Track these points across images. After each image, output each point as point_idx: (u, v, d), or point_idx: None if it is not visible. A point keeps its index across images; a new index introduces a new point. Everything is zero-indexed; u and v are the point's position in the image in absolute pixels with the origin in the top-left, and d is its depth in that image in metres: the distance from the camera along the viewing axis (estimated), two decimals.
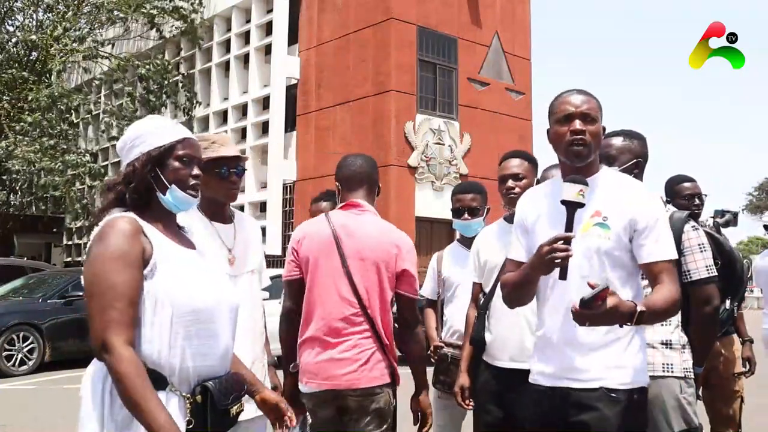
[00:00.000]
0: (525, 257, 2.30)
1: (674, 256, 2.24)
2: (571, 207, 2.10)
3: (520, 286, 2.27)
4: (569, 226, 2.08)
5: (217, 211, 2.71)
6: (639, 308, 2.00)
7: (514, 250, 2.38)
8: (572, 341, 2.19)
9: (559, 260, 2.03)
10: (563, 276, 2.09)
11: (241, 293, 2.38)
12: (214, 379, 1.93)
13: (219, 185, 2.66)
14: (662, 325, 2.70)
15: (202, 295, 1.95)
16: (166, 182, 1.99)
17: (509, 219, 3.04)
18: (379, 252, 2.82)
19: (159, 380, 1.86)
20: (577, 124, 2.19)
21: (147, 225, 1.96)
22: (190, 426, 1.87)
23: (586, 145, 2.20)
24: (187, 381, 1.91)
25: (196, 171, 2.04)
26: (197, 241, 2.17)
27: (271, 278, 4.57)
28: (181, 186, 2.00)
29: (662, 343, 2.75)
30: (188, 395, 1.89)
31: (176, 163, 2.00)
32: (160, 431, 1.75)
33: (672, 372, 2.71)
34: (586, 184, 2.12)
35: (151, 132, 2.03)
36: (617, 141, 2.87)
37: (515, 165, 3.16)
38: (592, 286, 1.93)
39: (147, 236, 1.93)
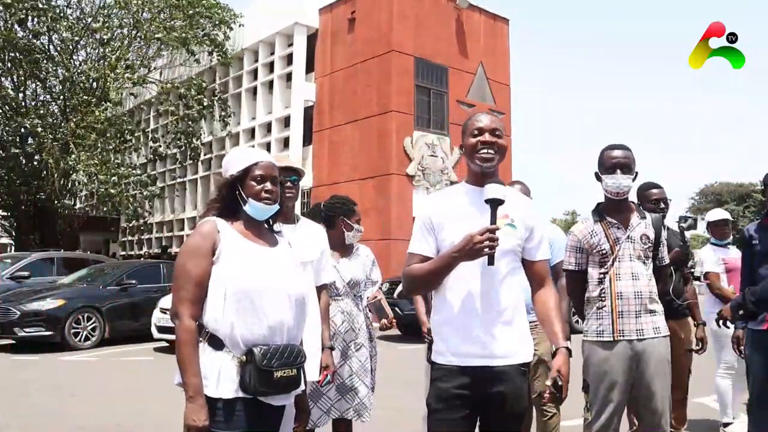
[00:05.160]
0: (432, 252, 2.20)
1: (549, 257, 2.33)
2: (495, 204, 2.05)
3: (437, 274, 2.13)
4: (494, 220, 2.03)
5: (281, 212, 2.81)
6: (564, 346, 2.14)
7: (421, 246, 2.23)
8: (490, 324, 2.13)
9: (487, 248, 1.97)
10: (492, 262, 2.02)
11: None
12: (262, 346, 1.97)
13: None
14: (657, 302, 2.90)
15: (250, 279, 2.01)
16: (245, 197, 2.12)
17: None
18: None
19: (217, 342, 1.99)
20: (487, 137, 2.20)
21: (226, 225, 2.09)
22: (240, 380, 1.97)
23: (494, 153, 2.20)
24: (238, 345, 1.98)
25: (268, 186, 2.12)
26: (287, 241, 2.26)
27: None
28: (256, 199, 2.11)
29: (660, 312, 2.89)
30: (239, 356, 1.98)
31: (252, 182, 2.11)
32: (188, 390, 1.93)
33: (666, 333, 2.91)
34: (504, 184, 2.10)
35: (235, 159, 2.16)
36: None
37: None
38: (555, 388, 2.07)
39: (219, 233, 2.05)
